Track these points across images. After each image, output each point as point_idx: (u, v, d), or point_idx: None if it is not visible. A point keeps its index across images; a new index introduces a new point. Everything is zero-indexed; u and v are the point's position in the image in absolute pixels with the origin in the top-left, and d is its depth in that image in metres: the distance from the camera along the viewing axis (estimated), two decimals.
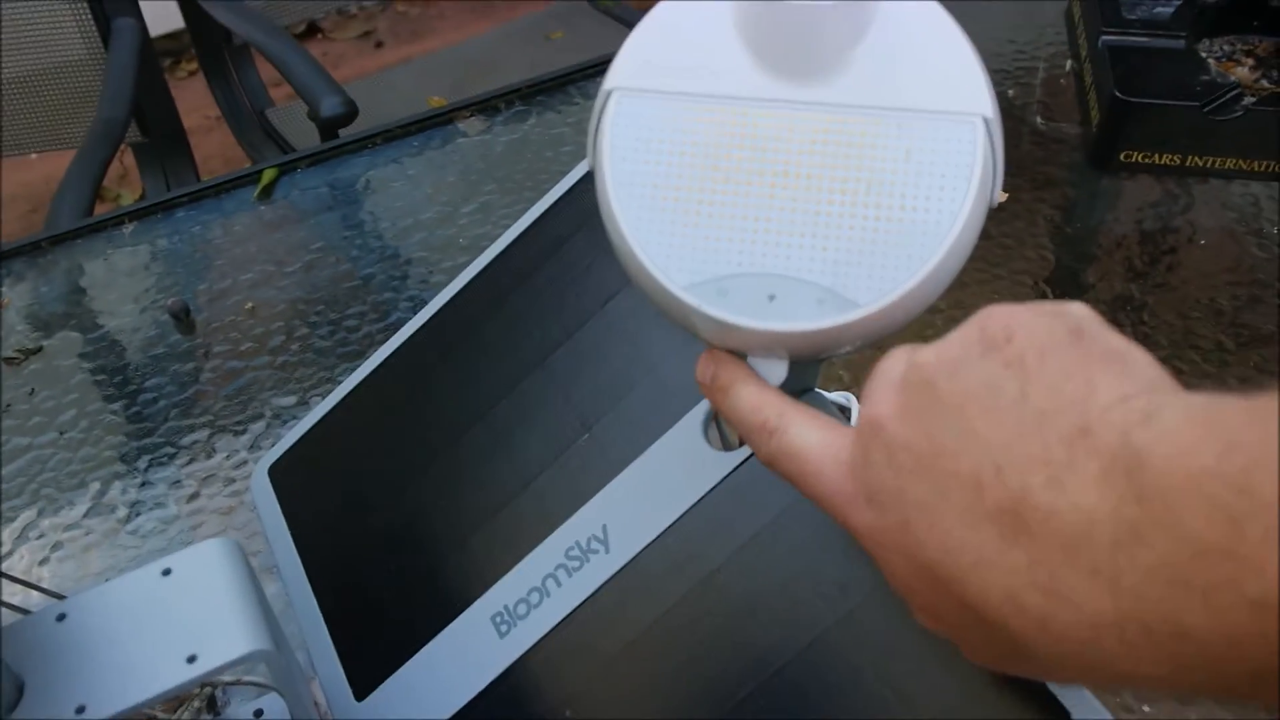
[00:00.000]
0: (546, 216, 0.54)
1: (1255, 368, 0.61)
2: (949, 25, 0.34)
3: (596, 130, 0.36)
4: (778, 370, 0.35)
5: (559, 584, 0.45)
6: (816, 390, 0.38)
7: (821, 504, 0.30)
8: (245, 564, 0.40)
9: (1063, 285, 0.68)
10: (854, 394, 0.54)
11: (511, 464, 0.50)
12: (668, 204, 0.35)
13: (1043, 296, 0.67)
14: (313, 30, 2.23)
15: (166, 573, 0.39)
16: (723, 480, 0.42)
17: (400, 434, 0.54)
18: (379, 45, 2.23)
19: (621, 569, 0.43)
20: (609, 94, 0.36)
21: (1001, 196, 0.35)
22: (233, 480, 0.60)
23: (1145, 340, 0.64)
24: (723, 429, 0.43)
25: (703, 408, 0.44)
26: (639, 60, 0.36)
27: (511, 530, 0.48)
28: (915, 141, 0.33)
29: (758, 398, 0.33)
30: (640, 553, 0.43)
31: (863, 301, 0.32)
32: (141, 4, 1.17)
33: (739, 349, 0.35)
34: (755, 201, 0.34)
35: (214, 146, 1.73)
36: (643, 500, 0.44)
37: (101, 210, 0.88)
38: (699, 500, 0.42)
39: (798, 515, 0.40)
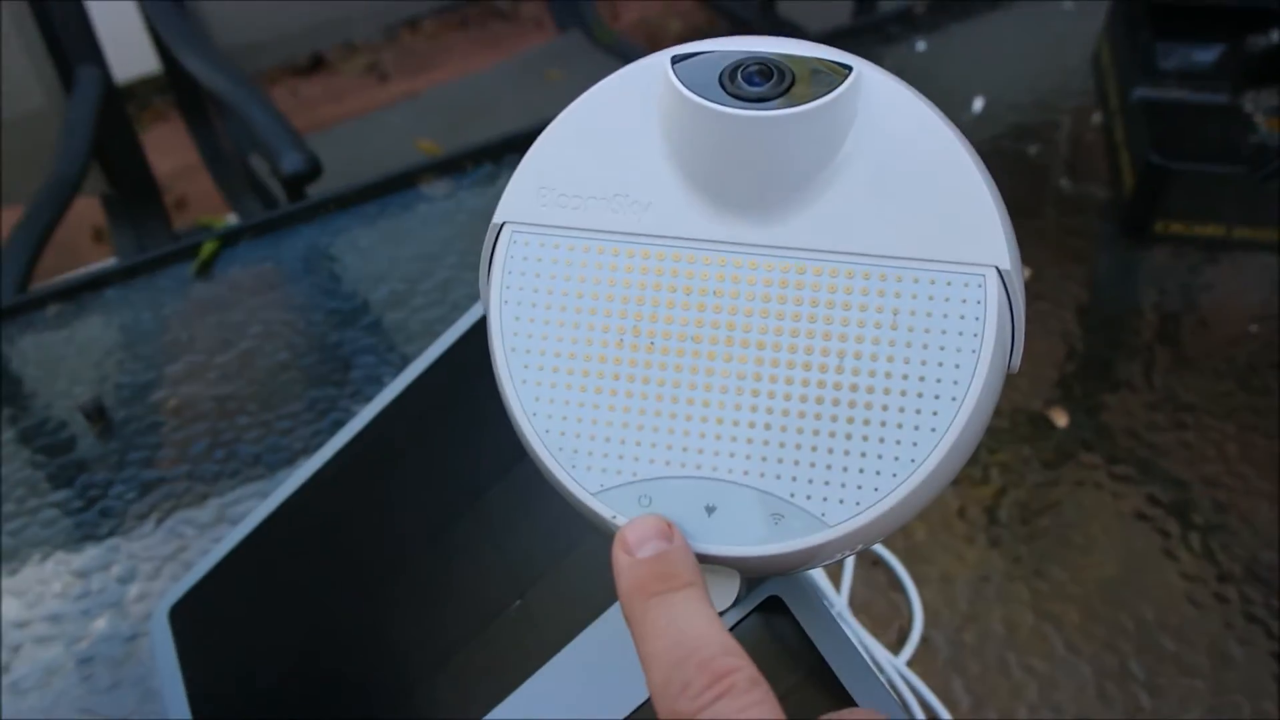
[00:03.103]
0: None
1: None
2: (948, 138, 0.26)
3: (487, 274, 0.28)
4: (726, 590, 0.27)
5: None
6: None
7: None
8: None
9: (1093, 379, 0.59)
10: None
11: (432, 630, 0.42)
12: (574, 379, 0.27)
13: (1069, 391, 0.59)
14: (318, 63, 2.17)
15: None
16: None
17: (309, 578, 0.46)
18: (383, 78, 2.17)
19: None
20: (499, 229, 0.28)
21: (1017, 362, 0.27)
22: (129, 616, 0.52)
23: (1193, 454, 0.55)
24: None
25: None
26: (539, 185, 0.28)
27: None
28: (905, 300, 0.25)
29: (718, 631, 0.24)
30: None
31: (833, 519, 0.25)
32: (109, 47, 1.10)
33: None
34: (688, 378, 0.26)
35: (208, 185, 1.65)
36: (582, 692, 0.36)
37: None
38: None
39: None
